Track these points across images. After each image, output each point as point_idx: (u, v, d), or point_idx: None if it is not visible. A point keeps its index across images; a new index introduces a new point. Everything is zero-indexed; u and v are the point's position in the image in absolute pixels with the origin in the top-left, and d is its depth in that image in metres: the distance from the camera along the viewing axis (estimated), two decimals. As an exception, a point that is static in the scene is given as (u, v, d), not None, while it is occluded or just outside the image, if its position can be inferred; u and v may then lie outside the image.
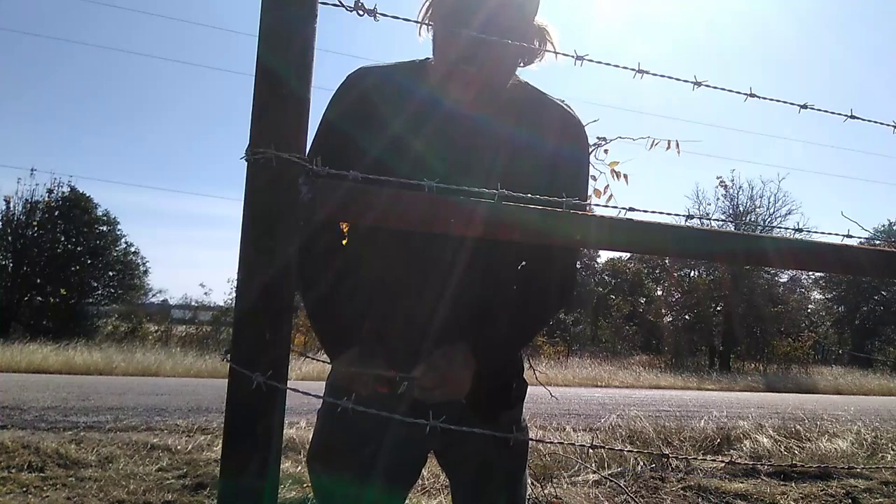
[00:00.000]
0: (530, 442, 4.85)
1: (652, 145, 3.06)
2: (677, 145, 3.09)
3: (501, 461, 1.24)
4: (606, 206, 3.10)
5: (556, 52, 1.12)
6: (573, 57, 0.94)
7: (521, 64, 1.16)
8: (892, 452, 5.11)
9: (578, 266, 1.31)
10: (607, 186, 3.23)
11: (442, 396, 1.09)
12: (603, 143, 3.20)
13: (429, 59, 1.17)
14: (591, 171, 3.27)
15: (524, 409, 1.32)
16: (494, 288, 1.20)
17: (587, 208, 1.12)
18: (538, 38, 1.13)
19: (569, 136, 1.18)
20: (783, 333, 23.83)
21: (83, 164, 38.48)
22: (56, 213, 19.68)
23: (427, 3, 1.11)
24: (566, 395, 9.07)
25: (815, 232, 1.13)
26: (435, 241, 1.06)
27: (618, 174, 3.17)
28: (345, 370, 1.11)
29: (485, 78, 1.09)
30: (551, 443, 1.59)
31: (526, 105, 1.17)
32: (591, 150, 3.25)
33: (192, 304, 20.30)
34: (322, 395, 1.27)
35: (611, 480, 3.95)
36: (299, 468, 3.75)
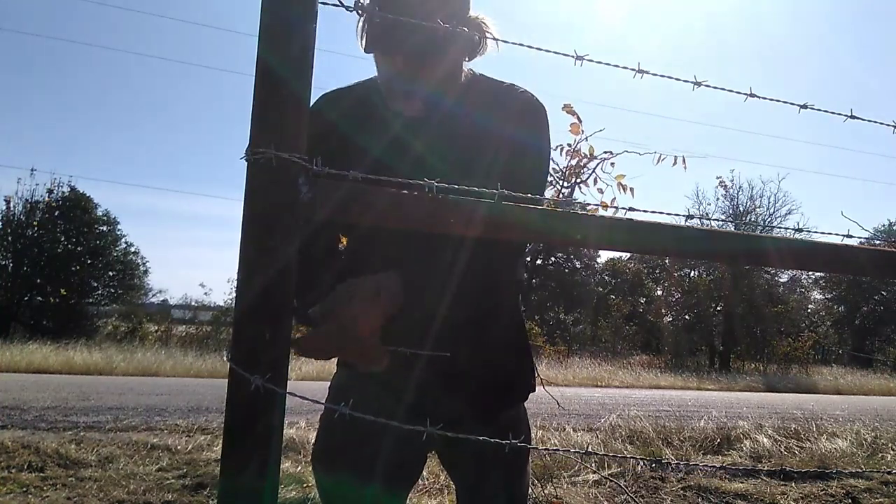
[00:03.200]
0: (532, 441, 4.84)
1: (659, 160, 3.06)
2: (684, 161, 3.09)
3: (501, 459, 1.24)
4: (608, 207, 3.11)
5: (497, 40, 1.13)
6: (573, 57, 0.94)
7: (466, 59, 1.17)
8: (892, 452, 5.11)
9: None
10: (614, 199, 3.24)
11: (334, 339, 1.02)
12: (609, 156, 3.21)
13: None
14: (598, 185, 3.28)
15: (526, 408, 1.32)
16: (494, 287, 1.21)
17: (546, 193, 1.12)
18: (476, 31, 1.14)
19: (529, 122, 1.18)
20: (783, 333, 23.83)
21: (83, 164, 38.50)
22: (56, 213, 19.70)
23: (360, 27, 1.13)
24: (566, 395, 9.06)
25: (815, 232, 1.13)
26: (434, 241, 1.06)
27: (624, 187, 3.17)
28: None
29: (427, 90, 1.12)
30: (546, 449, 1.59)
31: (484, 96, 1.18)
32: (597, 162, 3.27)
33: (192, 304, 20.31)
34: (322, 398, 1.27)
35: (611, 480, 3.95)
36: (299, 468, 3.75)
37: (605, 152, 3.20)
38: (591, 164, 3.24)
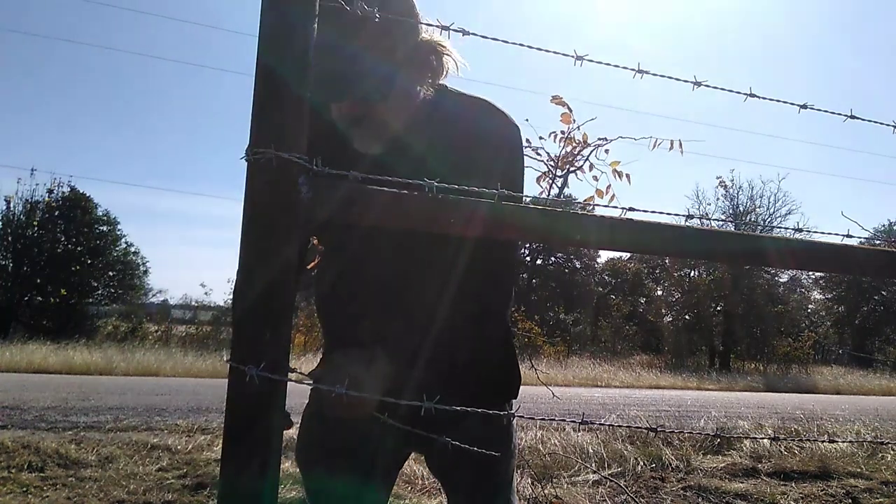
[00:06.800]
0: (530, 442, 4.82)
1: (654, 145, 3.03)
2: (680, 145, 3.06)
3: (498, 460, 1.25)
4: (607, 206, 3.10)
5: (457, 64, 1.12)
6: (573, 57, 0.94)
7: (426, 88, 1.12)
8: (892, 452, 5.11)
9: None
10: (609, 186, 3.21)
11: (341, 411, 1.01)
12: (604, 142, 3.19)
13: None
14: (593, 172, 3.28)
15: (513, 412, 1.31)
16: (492, 288, 1.21)
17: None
18: (433, 54, 1.10)
19: (504, 157, 1.14)
20: (783, 333, 23.83)
21: (83, 164, 38.53)
22: (56, 213, 19.69)
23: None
24: (566, 395, 9.07)
25: (815, 232, 1.12)
26: (434, 241, 1.06)
27: (619, 174, 3.15)
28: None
29: (383, 128, 1.09)
30: (542, 417, 1.59)
31: (451, 126, 1.13)
32: (591, 150, 3.26)
33: (192, 304, 20.36)
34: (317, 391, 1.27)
35: (611, 480, 3.95)
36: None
37: (600, 139, 3.19)
38: (585, 152, 3.24)
